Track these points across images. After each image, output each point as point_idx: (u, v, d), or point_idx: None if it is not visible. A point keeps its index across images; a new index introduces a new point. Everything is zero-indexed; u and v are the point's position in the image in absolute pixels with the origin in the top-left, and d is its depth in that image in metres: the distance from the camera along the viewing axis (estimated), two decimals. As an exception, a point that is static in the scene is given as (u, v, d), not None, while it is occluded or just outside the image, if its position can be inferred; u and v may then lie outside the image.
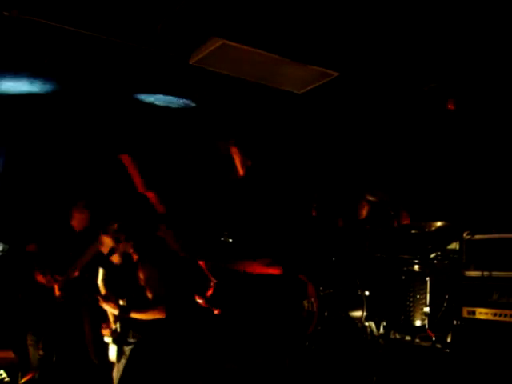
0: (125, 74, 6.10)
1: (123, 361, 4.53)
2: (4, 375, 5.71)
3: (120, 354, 4.52)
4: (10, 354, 6.16)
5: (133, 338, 4.54)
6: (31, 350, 6.05)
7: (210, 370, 5.21)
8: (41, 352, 5.92)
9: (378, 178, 6.91)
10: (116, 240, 4.79)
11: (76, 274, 5.87)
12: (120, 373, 4.53)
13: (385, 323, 5.69)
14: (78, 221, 6.19)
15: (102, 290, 4.65)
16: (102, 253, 4.96)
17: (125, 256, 4.81)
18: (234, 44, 5.35)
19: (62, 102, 6.63)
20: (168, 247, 5.82)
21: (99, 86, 6.33)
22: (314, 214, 6.37)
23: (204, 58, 5.63)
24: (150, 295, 4.52)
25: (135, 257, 4.78)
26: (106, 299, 4.51)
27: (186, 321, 5.21)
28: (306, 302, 5.92)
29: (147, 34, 5.31)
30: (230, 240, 6.09)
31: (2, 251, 6.84)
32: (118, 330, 4.55)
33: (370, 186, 6.56)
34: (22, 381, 5.87)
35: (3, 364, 5.92)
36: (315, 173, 7.08)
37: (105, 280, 4.68)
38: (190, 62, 5.71)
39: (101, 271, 4.69)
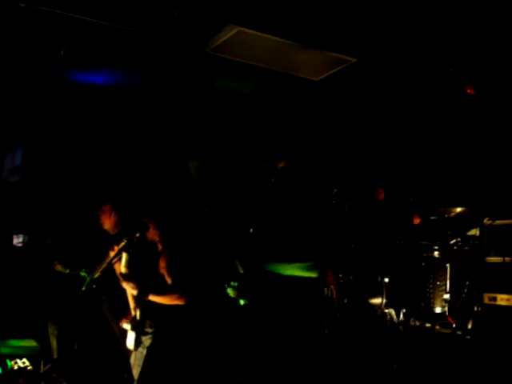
0: (143, 64, 6.10)
1: (140, 349, 4.55)
2: (27, 363, 5.78)
3: (138, 342, 4.54)
4: (33, 343, 6.24)
5: (150, 327, 4.55)
6: (52, 339, 6.11)
7: (229, 360, 5.21)
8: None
9: (397, 165, 6.85)
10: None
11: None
12: (137, 360, 4.55)
13: (405, 310, 5.67)
14: (108, 225, 6.04)
15: (124, 270, 4.67)
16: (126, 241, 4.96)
17: (150, 244, 4.81)
18: (250, 31, 5.32)
19: (78, 93, 6.65)
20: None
21: (117, 76, 6.35)
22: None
23: (221, 46, 5.61)
24: (169, 280, 4.53)
25: (160, 246, 4.77)
26: (127, 278, 4.53)
27: (205, 312, 5.20)
28: (325, 289, 5.91)
29: (164, 23, 5.30)
30: (256, 231, 6.07)
31: (22, 242, 6.92)
32: (138, 317, 4.58)
33: (386, 176, 6.54)
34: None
35: (26, 353, 5.99)
36: (334, 160, 7.04)
37: (127, 264, 4.70)
38: (207, 50, 5.70)
39: (124, 256, 4.71)
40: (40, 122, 7.03)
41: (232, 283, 4.67)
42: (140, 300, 4.54)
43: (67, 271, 6.21)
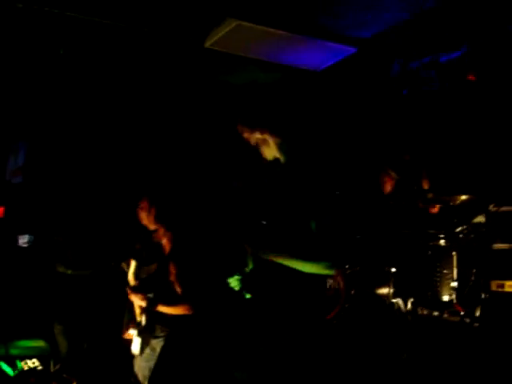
0: (141, 61, 6.08)
1: (148, 351, 4.54)
2: (37, 363, 5.80)
3: (144, 346, 4.54)
4: (42, 343, 6.26)
5: (161, 332, 4.54)
6: (59, 339, 6.14)
7: (241, 358, 5.20)
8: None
9: (400, 153, 6.81)
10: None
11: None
12: (144, 362, 4.54)
13: (412, 299, 5.65)
14: (147, 221, 5.97)
15: (132, 282, 4.67)
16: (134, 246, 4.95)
17: (156, 247, 4.76)
18: (248, 24, 5.29)
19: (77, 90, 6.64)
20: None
21: (115, 75, 6.34)
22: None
23: (219, 41, 5.58)
24: (179, 290, 4.49)
25: (167, 249, 4.72)
26: (136, 291, 4.52)
27: (215, 314, 5.19)
28: (331, 281, 5.89)
29: (161, 19, 5.28)
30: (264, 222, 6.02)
31: (28, 242, 6.93)
32: (143, 322, 4.56)
33: (392, 161, 6.48)
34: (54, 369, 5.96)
35: (35, 353, 6.02)
36: (337, 151, 7.01)
37: (135, 272, 4.70)
38: (205, 46, 5.67)
39: (133, 263, 4.70)
40: (41, 122, 7.03)
41: (236, 276, 4.61)
42: (147, 310, 4.53)
43: (69, 272, 6.23)
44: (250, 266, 3.96)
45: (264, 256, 3.29)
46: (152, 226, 4.99)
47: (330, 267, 3.05)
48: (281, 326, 4.92)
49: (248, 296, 4.86)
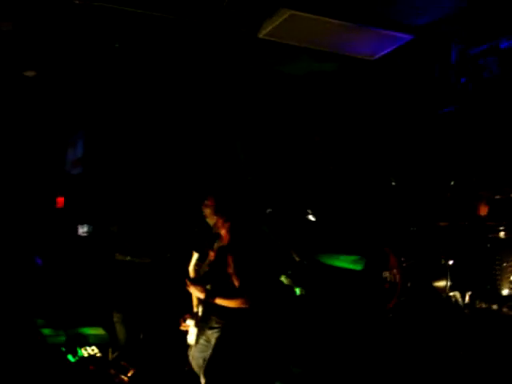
0: (196, 53, 6.10)
1: (203, 342, 4.60)
2: (96, 351, 5.96)
3: (200, 336, 4.59)
4: (101, 331, 6.42)
5: (216, 323, 4.57)
6: (118, 327, 6.27)
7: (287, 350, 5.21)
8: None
9: (460, 145, 6.64)
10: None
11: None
12: (198, 353, 4.60)
13: (470, 293, 5.53)
14: (210, 216, 5.96)
15: (192, 274, 4.73)
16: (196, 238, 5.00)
17: (215, 239, 4.79)
18: (302, 14, 5.24)
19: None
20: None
21: (169, 68, 6.38)
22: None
23: (273, 31, 5.54)
24: (236, 282, 4.50)
25: (226, 239, 4.74)
26: (195, 283, 4.57)
27: (270, 307, 5.19)
28: (388, 274, 5.83)
29: (214, 11, 5.27)
30: (314, 218, 6.02)
31: (87, 232, 7.09)
32: (200, 313, 4.61)
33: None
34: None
35: (95, 340, 6.18)
36: (393, 141, 6.89)
37: (197, 264, 4.76)
38: (259, 36, 5.64)
39: (195, 256, 4.76)
40: (98, 114, 7.15)
41: (287, 271, 4.62)
42: (205, 301, 4.58)
43: (127, 259, 6.36)
44: (297, 259, 3.95)
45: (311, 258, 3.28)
46: (212, 218, 5.04)
47: (358, 261, 3.00)
48: (336, 321, 4.91)
49: (299, 291, 4.86)
